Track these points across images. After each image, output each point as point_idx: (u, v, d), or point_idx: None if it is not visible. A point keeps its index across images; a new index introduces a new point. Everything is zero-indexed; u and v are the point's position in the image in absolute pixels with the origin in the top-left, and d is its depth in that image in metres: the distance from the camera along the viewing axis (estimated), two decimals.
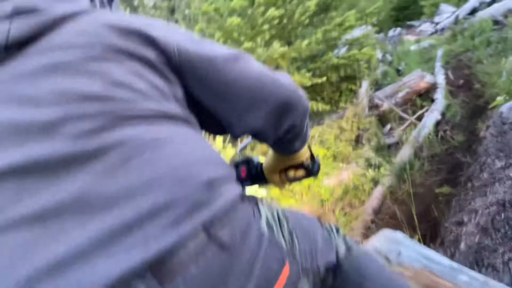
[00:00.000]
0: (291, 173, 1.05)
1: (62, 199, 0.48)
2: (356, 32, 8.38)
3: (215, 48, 0.72)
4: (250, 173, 1.12)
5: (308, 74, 4.18)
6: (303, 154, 1.01)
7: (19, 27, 0.60)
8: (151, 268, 0.47)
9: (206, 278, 0.51)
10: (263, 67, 0.76)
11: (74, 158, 0.51)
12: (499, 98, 2.98)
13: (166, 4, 14.79)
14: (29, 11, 0.62)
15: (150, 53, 0.65)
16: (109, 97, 0.57)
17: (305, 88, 4.46)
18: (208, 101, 0.73)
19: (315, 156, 1.06)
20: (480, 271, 1.54)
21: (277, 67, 3.91)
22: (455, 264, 1.35)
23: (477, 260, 1.59)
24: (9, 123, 0.52)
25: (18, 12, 0.61)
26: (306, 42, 3.84)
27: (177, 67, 0.68)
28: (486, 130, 2.62)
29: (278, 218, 0.70)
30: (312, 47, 4.40)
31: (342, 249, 0.83)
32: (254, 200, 0.70)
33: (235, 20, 3.23)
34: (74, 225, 0.47)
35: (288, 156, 1.00)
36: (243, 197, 0.65)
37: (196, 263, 0.51)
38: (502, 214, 1.78)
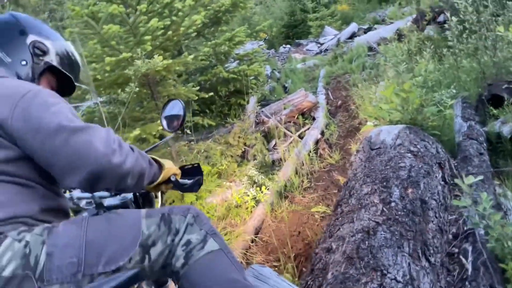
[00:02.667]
0: (163, 187, 1.29)
1: None
2: (248, 46, 8.57)
3: (44, 122, 0.96)
4: None
5: (195, 89, 4.08)
6: (167, 173, 1.24)
7: None
8: None
9: None
10: (86, 141, 0.96)
11: None
12: (369, 123, 3.22)
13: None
14: None
15: None
16: None
17: (193, 101, 4.35)
18: (39, 161, 0.99)
19: (179, 174, 1.31)
20: None
21: (163, 79, 3.74)
22: None
23: None
24: None
25: None
26: (192, 56, 3.73)
27: (10, 137, 0.97)
28: (356, 154, 2.78)
29: (29, 244, 0.89)
30: (199, 61, 4.31)
31: (179, 262, 1.02)
32: (4, 234, 0.90)
33: (113, 27, 2.97)
34: None
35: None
36: None
37: None
38: (367, 242, 1.85)
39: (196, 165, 1.41)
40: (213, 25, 5.93)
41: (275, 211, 3.63)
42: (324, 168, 4.43)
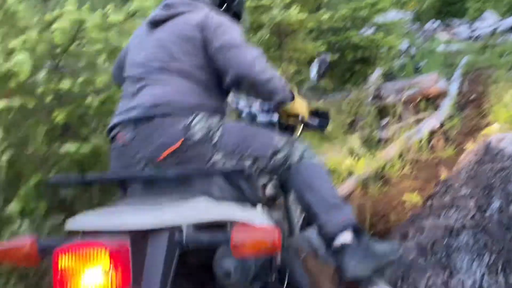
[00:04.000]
0: (291, 119, 1.66)
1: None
2: (391, 15, 8.09)
3: (227, 39, 1.40)
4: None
5: (322, 48, 4.09)
6: (296, 109, 1.59)
7: (160, 14, 1.51)
8: (133, 122, 1.33)
9: (145, 132, 1.31)
10: (240, 52, 1.40)
11: (142, 78, 1.43)
12: (495, 126, 2.95)
13: None
14: (168, 6, 1.51)
15: (198, 36, 1.42)
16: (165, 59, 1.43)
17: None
18: (217, 63, 1.42)
19: (310, 114, 1.64)
20: (401, 286, 1.61)
21: (294, 31, 3.81)
22: None
23: (403, 276, 1.66)
24: (135, 59, 1.50)
25: (165, 6, 1.52)
26: (327, 15, 3.72)
27: (210, 47, 1.41)
28: (467, 154, 2.62)
29: (211, 128, 1.35)
30: (334, 21, 4.27)
31: (295, 157, 1.43)
32: (197, 113, 1.36)
33: None
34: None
35: (280, 106, 1.61)
36: (186, 112, 1.35)
37: (145, 124, 1.32)
38: (445, 240, 1.83)
39: (326, 111, 1.72)
40: None
41: (367, 187, 3.62)
42: (432, 160, 4.21)
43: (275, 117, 1.74)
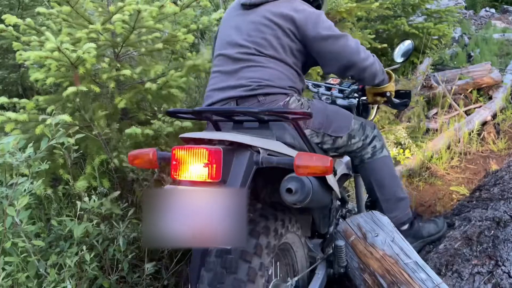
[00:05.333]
0: (379, 98, 1.81)
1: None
2: (444, 2, 7.77)
3: (323, 31, 1.56)
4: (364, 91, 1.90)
5: (370, 36, 4.04)
6: (387, 88, 1.74)
7: None
8: (236, 99, 1.55)
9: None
10: (345, 42, 1.57)
11: (240, 59, 1.59)
12: None
13: None
14: None
15: (289, 26, 1.56)
16: (259, 43, 1.57)
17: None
18: (313, 54, 1.62)
19: (397, 93, 1.79)
20: (445, 274, 1.64)
21: (340, 20, 3.80)
22: (420, 261, 1.45)
23: (447, 263, 1.68)
24: (231, 39, 1.64)
25: None
26: (377, 3, 3.67)
27: (302, 36, 1.57)
28: None
29: (302, 103, 1.57)
30: (383, 9, 4.20)
31: (367, 155, 1.68)
32: (291, 94, 1.58)
33: None
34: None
35: (372, 87, 1.78)
36: (283, 93, 1.56)
37: (248, 102, 1.55)
38: (492, 231, 1.82)
39: (408, 91, 1.84)
40: None
41: (412, 177, 3.59)
42: (482, 152, 4.08)
43: (354, 101, 1.91)
